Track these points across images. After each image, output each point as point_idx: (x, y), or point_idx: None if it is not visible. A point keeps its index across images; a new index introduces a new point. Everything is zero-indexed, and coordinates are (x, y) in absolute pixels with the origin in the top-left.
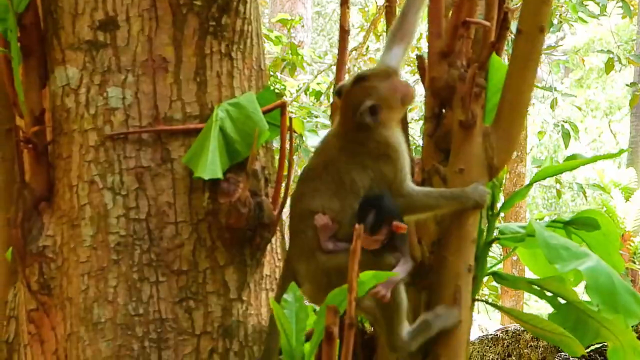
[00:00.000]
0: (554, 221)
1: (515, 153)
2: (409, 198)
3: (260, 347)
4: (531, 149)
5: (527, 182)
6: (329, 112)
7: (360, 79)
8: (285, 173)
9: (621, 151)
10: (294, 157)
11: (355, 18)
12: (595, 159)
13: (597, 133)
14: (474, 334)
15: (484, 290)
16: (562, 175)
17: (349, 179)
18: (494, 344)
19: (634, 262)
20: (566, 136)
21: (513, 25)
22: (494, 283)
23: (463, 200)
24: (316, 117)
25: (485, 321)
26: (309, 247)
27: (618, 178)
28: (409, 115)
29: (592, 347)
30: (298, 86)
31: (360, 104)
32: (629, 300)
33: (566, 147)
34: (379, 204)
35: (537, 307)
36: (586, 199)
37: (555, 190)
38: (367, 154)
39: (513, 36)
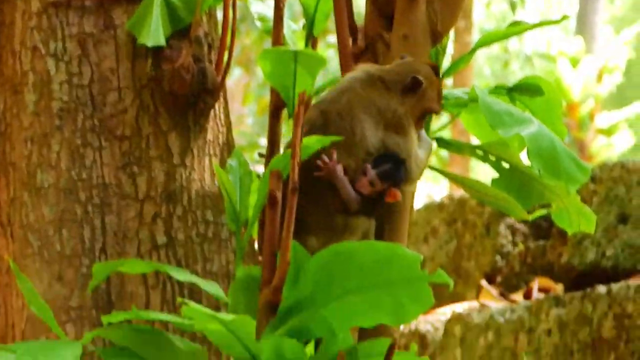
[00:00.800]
0: (497, 87)
1: (462, 23)
2: (422, 164)
3: (203, 212)
4: (478, 20)
5: None
6: None
7: (434, 67)
8: (228, 41)
9: (564, 17)
10: (239, 26)
11: None
12: (538, 25)
13: (545, 2)
14: (420, 201)
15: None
16: (510, 45)
17: (359, 131)
18: (440, 210)
19: (581, 131)
20: (513, 5)
21: None
22: (443, 153)
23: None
24: None
25: (431, 189)
26: (325, 203)
27: (566, 47)
28: None
29: (537, 214)
30: None
31: (419, 73)
32: (570, 166)
33: (513, 15)
34: (398, 165)
35: (484, 176)
36: (534, 69)
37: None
38: (381, 115)
39: None
